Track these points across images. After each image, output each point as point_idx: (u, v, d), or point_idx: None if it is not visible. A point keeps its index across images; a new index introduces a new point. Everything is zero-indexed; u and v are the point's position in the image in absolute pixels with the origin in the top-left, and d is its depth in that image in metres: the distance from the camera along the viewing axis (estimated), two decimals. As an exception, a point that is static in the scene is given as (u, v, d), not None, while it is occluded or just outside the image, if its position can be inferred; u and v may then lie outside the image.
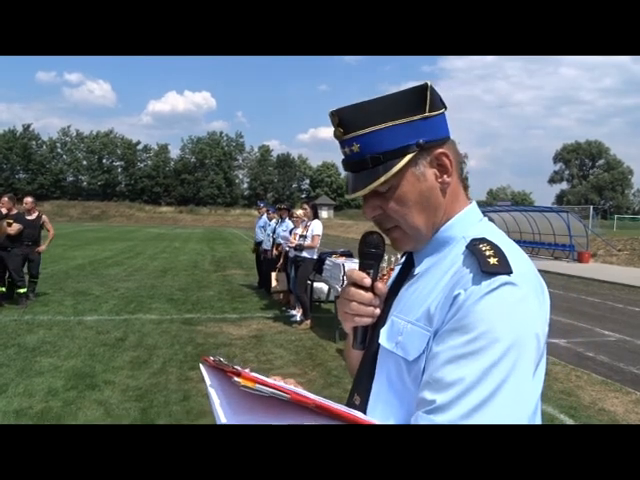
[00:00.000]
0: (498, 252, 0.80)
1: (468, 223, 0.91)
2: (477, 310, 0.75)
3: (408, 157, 0.86)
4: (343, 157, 0.91)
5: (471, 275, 0.79)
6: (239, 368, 0.74)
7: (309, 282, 7.99)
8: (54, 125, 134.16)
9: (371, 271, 0.94)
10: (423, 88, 0.86)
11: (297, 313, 7.75)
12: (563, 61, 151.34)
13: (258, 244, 10.63)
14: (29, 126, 71.97)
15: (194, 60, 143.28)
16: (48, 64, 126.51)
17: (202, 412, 4.15)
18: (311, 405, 0.71)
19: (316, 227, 7.30)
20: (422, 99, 0.85)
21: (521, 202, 74.50)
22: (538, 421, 0.83)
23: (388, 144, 0.85)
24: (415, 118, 0.85)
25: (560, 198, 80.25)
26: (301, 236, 7.39)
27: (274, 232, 9.25)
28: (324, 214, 59.61)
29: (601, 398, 4.88)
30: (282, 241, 8.51)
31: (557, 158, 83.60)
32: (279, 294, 8.96)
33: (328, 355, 6.02)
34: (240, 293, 10.31)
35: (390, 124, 0.85)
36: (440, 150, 0.88)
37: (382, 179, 0.86)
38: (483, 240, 0.83)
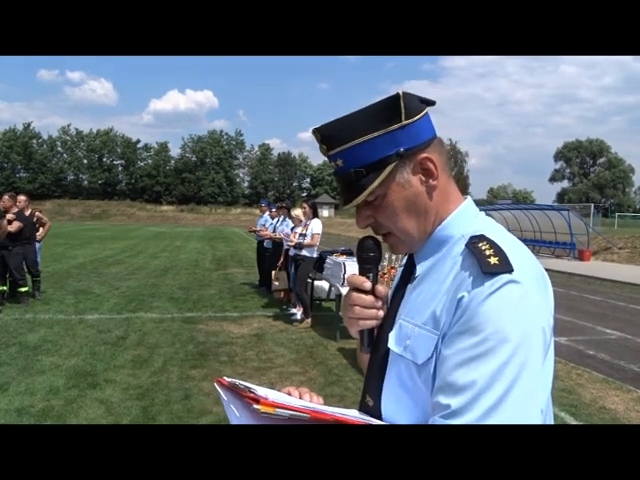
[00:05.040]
0: (497, 250, 0.80)
1: (464, 220, 0.91)
2: (482, 311, 0.76)
3: (390, 167, 0.87)
4: (333, 171, 0.94)
5: (472, 277, 0.79)
6: (257, 393, 0.74)
7: (309, 281, 8.00)
8: (55, 124, 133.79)
9: (370, 275, 0.96)
10: (396, 98, 0.87)
11: (298, 312, 7.76)
12: (563, 59, 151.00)
13: (259, 242, 10.65)
14: (29, 125, 72.09)
15: (196, 59, 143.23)
16: (50, 62, 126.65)
17: (203, 411, 4.16)
18: (330, 421, 0.71)
19: (316, 226, 7.32)
20: (396, 109, 0.86)
21: (522, 200, 74.37)
22: (550, 413, 0.84)
23: (368, 157, 0.87)
24: (392, 128, 0.86)
25: (561, 196, 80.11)
26: (301, 235, 7.40)
27: (275, 230, 9.27)
28: (325, 213, 59.59)
29: (602, 396, 4.88)
30: (283, 236, 8.52)
31: (558, 156, 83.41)
32: (280, 292, 8.97)
33: (329, 354, 6.02)
34: (241, 292, 10.32)
35: (368, 137, 0.86)
36: (423, 155, 0.88)
37: (366, 192, 0.88)
38: (482, 238, 0.83)
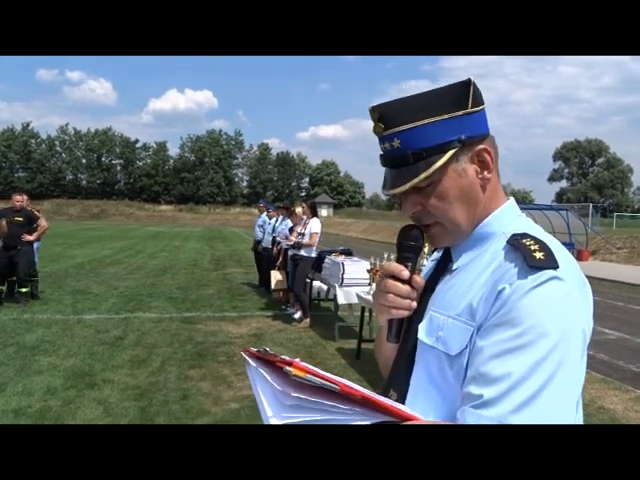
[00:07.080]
0: (543, 247, 0.79)
1: (507, 219, 0.90)
2: (524, 304, 0.75)
3: (450, 153, 0.85)
4: (382, 153, 0.91)
5: (516, 269, 0.78)
6: (288, 358, 0.75)
7: (308, 280, 8.00)
8: (54, 124, 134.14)
9: (409, 264, 0.94)
10: (467, 83, 0.86)
11: (296, 311, 7.76)
12: (562, 59, 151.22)
13: (258, 242, 10.64)
14: (28, 124, 71.93)
15: (195, 59, 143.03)
16: (49, 62, 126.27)
17: (201, 411, 4.16)
18: (358, 397, 0.72)
19: (314, 225, 7.31)
20: (465, 95, 0.86)
21: (521, 200, 74.39)
22: (580, 412, 0.84)
23: (431, 140, 0.85)
24: (458, 114, 0.85)
25: (560, 196, 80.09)
26: (300, 234, 7.40)
27: (274, 230, 9.26)
28: (324, 212, 59.59)
29: (600, 396, 4.89)
30: (280, 239, 8.52)
31: (557, 156, 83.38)
32: (279, 292, 8.96)
33: (327, 353, 6.02)
34: (240, 291, 10.31)
35: (433, 119, 0.85)
36: (481, 146, 0.88)
37: (424, 175, 0.85)
38: (525, 235, 0.83)
